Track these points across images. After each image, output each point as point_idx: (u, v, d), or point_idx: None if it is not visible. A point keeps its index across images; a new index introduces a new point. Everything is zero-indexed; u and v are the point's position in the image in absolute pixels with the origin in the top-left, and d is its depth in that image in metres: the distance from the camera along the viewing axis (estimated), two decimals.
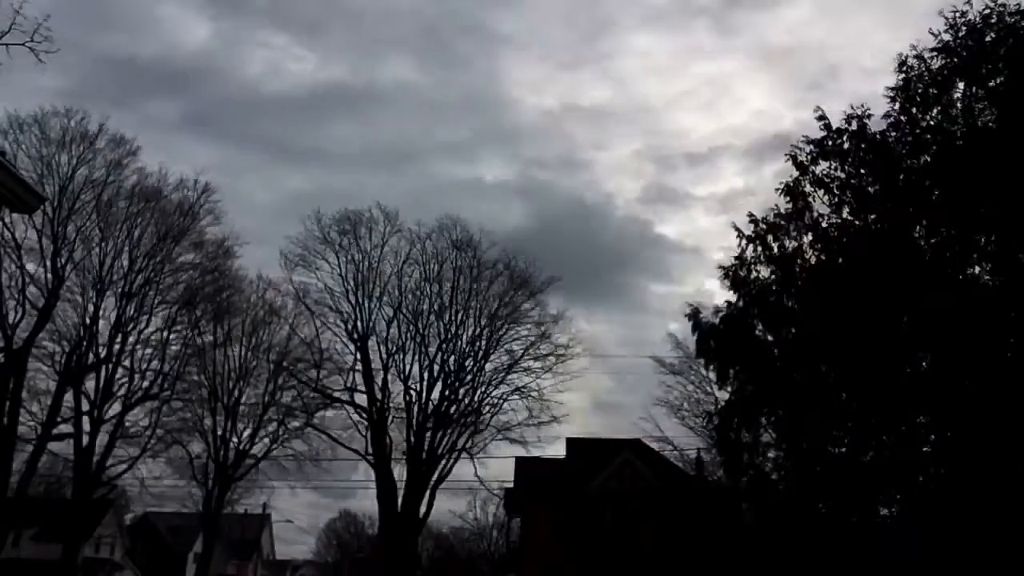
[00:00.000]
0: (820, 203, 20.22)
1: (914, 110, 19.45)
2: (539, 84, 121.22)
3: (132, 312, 37.60)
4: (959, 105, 19.00)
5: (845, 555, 18.26)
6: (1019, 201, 15.87)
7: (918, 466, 18.36)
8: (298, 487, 47.57)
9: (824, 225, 20.03)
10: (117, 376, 37.59)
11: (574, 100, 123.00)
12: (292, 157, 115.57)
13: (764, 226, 20.63)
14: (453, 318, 43.60)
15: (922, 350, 18.70)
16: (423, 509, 42.00)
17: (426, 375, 43.05)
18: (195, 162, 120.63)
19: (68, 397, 35.35)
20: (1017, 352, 16.79)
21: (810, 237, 20.22)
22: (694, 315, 21.22)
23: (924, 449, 18.69)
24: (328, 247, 43.80)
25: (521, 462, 42.21)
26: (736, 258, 20.72)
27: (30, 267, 34.73)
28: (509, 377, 43.57)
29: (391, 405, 42.79)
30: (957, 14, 18.75)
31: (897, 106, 19.56)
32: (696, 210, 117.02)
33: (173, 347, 39.56)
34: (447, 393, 42.91)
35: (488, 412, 43.43)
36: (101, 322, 37.05)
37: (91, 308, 36.70)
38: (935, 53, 19.12)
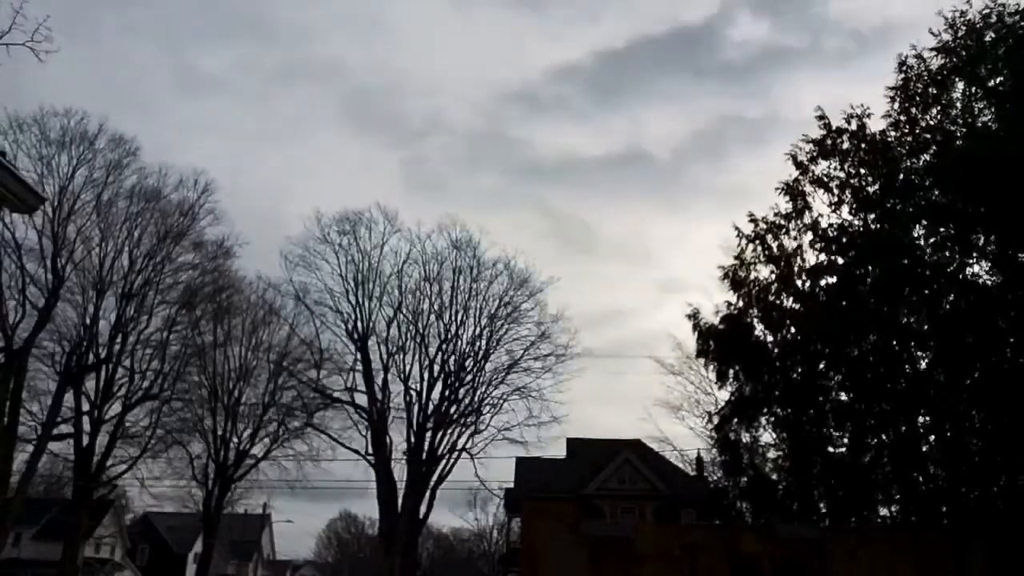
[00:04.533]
0: (820, 202, 20.26)
1: (913, 110, 19.47)
2: None
3: (132, 312, 37.51)
4: (959, 105, 19.02)
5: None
6: (1019, 201, 15.87)
7: (918, 466, 18.36)
8: (298, 487, 47.44)
9: (824, 225, 20.04)
10: (117, 376, 37.50)
11: None
12: None
13: (764, 226, 20.63)
14: (453, 318, 43.57)
15: (922, 350, 18.71)
16: (423, 509, 41.99)
17: (426, 375, 43.00)
18: None
19: (68, 397, 35.25)
20: (1017, 352, 16.79)
21: (810, 237, 20.23)
22: (694, 315, 21.22)
23: (924, 449, 18.69)
24: (328, 247, 43.80)
25: (521, 462, 42.23)
26: (736, 258, 20.74)
27: (30, 267, 34.62)
28: (509, 377, 43.45)
29: (391, 405, 42.75)
30: (957, 14, 18.80)
31: (896, 106, 19.60)
32: None
33: (173, 347, 39.46)
34: (447, 393, 42.85)
35: (488, 412, 43.34)
36: (101, 322, 36.98)
37: (91, 308, 36.61)
38: (934, 53, 19.17)
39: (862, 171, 19.87)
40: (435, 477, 41.90)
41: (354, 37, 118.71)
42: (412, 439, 41.64)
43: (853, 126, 20.06)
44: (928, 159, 18.92)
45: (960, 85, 18.99)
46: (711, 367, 22.08)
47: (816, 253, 20.17)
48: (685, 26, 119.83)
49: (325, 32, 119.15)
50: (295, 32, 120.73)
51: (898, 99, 19.51)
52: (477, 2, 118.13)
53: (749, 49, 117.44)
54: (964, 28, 18.71)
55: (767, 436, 21.07)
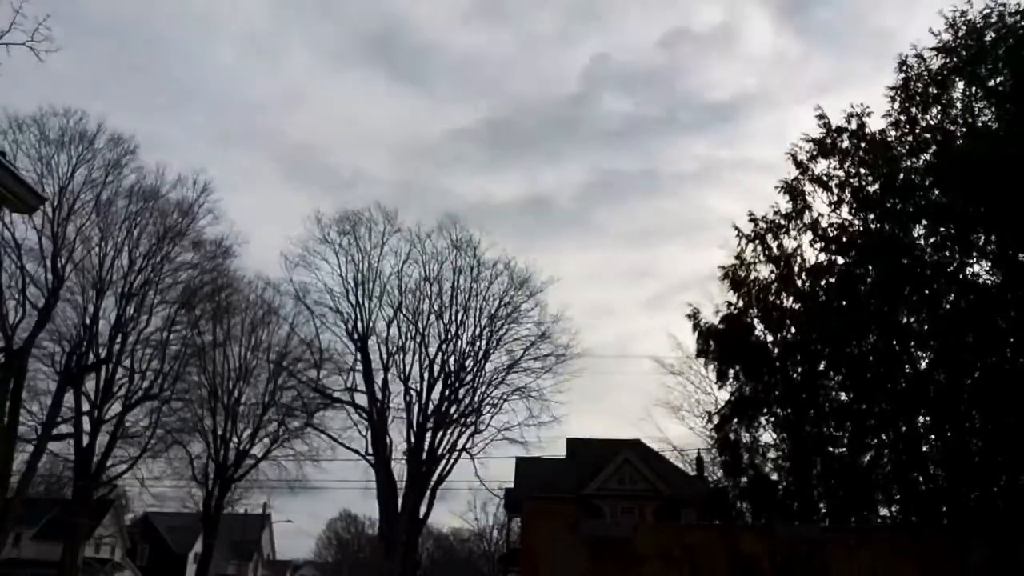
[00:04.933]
0: (820, 202, 20.25)
1: (913, 109, 19.46)
2: None
3: (132, 312, 37.46)
4: (959, 104, 19.00)
5: None
6: (1019, 201, 15.87)
7: (918, 466, 18.36)
8: (298, 487, 47.41)
9: (824, 224, 20.03)
10: (117, 376, 37.46)
11: None
12: None
13: (764, 225, 20.62)
14: (453, 318, 43.57)
15: (922, 350, 18.70)
16: (423, 509, 42.01)
17: (426, 375, 43.00)
18: None
19: (68, 397, 35.22)
20: (1017, 352, 16.78)
21: (810, 236, 20.22)
22: (694, 316, 21.21)
23: (924, 449, 18.68)
24: (328, 247, 43.81)
25: (521, 462, 42.21)
26: (736, 258, 20.73)
27: (30, 267, 34.59)
28: (509, 377, 43.47)
29: (391, 405, 42.76)
30: (957, 14, 18.78)
31: (897, 105, 19.58)
32: None
33: (173, 347, 39.40)
34: (447, 393, 42.86)
35: (488, 412, 43.37)
36: (101, 322, 36.94)
37: (91, 308, 36.58)
38: (935, 52, 19.15)
39: (862, 170, 19.86)
40: (435, 477, 41.91)
41: (283, 109, 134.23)
42: (412, 439, 41.65)
43: (853, 125, 20.06)
44: (928, 159, 18.91)
45: (960, 85, 18.98)
46: (711, 367, 22.09)
47: (816, 253, 20.20)
48: (557, 101, 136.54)
49: (257, 106, 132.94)
50: (232, 105, 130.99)
51: (898, 99, 19.50)
52: (374, 82, 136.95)
53: (617, 120, 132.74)
54: (964, 28, 18.71)
55: (767, 436, 21.08)
